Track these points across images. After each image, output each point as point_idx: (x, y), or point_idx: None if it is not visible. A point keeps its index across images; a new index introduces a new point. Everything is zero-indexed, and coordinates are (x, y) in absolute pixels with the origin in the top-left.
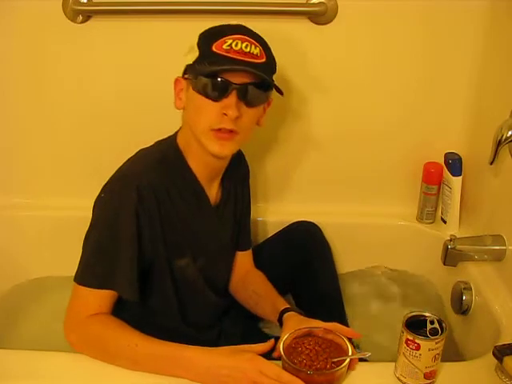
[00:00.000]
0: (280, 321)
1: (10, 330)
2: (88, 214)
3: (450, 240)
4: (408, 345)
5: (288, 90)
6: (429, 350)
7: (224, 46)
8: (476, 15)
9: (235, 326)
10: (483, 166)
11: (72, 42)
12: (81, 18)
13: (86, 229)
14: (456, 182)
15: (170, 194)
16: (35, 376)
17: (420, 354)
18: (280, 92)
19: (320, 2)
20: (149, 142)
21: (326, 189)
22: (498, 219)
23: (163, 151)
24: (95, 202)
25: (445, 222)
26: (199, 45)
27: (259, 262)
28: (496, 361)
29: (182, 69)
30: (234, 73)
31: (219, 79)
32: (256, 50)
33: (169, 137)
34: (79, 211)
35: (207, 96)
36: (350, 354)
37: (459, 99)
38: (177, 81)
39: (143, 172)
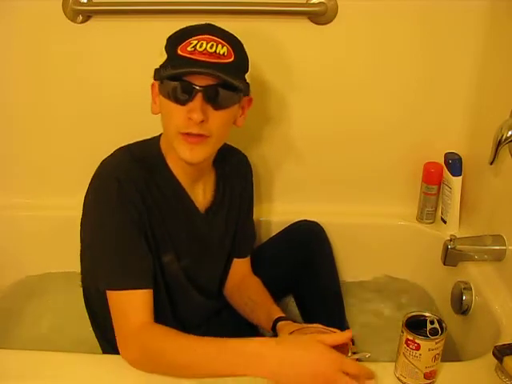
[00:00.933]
0: (274, 329)
1: (11, 327)
2: None
3: (450, 240)
4: (408, 345)
5: (288, 89)
6: (429, 350)
7: (188, 48)
8: (476, 15)
9: (223, 328)
10: (483, 166)
11: (72, 42)
12: (81, 17)
13: None
14: (456, 182)
15: (149, 189)
16: (35, 376)
17: (420, 354)
18: (246, 92)
19: (320, 2)
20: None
21: (325, 189)
22: (498, 219)
23: (144, 150)
24: (84, 202)
25: (445, 222)
26: (167, 48)
27: (261, 262)
28: (496, 361)
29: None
30: (199, 75)
31: (182, 82)
32: (223, 50)
33: (153, 137)
34: (79, 211)
35: (173, 100)
36: (349, 355)
37: (459, 99)
38: (153, 85)
39: (120, 165)
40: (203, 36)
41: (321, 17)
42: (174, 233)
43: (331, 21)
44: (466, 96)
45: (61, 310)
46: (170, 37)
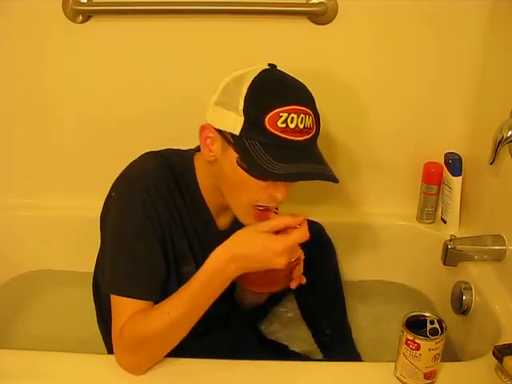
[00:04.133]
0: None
1: (10, 326)
2: (88, 214)
3: (450, 240)
4: (408, 345)
5: None
6: (429, 350)
7: (279, 124)
8: (476, 15)
9: (229, 331)
10: (483, 165)
11: (72, 41)
12: (81, 17)
13: (87, 228)
14: (456, 181)
15: (174, 199)
16: (35, 376)
17: (420, 354)
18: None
19: (320, 2)
20: (148, 141)
21: (325, 188)
22: (498, 219)
23: (174, 163)
24: (105, 203)
25: (445, 222)
26: (246, 109)
27: None
28: (496, 361)
29: (211, 114)
30: None
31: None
32: (309, 121)
33: (185, 152)
34: (79, 211)
35: (256, 177)
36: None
37: (459, 99)
38: (204, 128)
39: (149, 172)
40: (291, 107)
41: (321, 17)
42: (193, 245)
43: (331, 21)
44: (466, 96)
45: (61, 310)
46: (251, 93)
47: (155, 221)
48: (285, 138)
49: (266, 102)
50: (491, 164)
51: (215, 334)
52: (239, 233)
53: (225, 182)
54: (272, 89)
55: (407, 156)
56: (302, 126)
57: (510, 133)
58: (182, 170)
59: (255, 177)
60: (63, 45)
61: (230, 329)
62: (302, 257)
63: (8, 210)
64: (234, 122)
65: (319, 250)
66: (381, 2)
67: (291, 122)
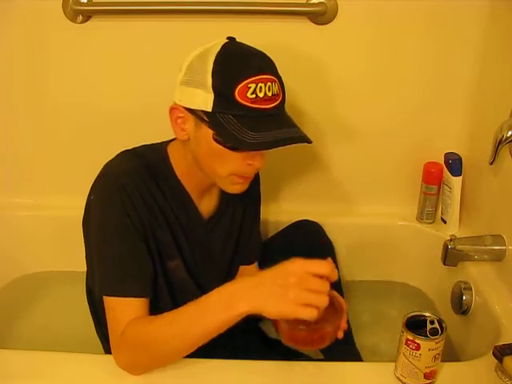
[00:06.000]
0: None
1: (10, 326)
2: None
3: (450, 240)
4: (408, 345)
5: (288, 90)
6: (429, 350)
7: (248, 95)
8: (476, 15)
9: (230, 334)
10: (483, 166)
11: (72, 41)
12: (81, 17)
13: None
14: (456, 181)
15: (154, 194)
16: (37, 376)
17: (420, 354)
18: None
19: (320, 2)
20: (150, 141)
21: (325, 189)
22: (498, 219)
23: (149, 156)
24: (86, 205)
25: (445, 222)
26: (214, 85)
27: (260, 261)
28: (496, 361)
29: (179, 94)
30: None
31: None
32: (276, 88)
33: (157, 143)
34: (79, 211)
35: (232, 150)
36: (344, 314)
37: (459, 99)
38: (174, 109)
39: (125, 170)
40: (258, 77)
41: (321, 17)
42: (179, 238)
43: (331, 21)
44: (466, 96)
45: (61, 310)
46: (217, 68)
47: (135, 219)
48: (257, 108)
49: (233, 75)
50: (491, 164)
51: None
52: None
53: (202, 158)
54: (237, 61)
55: (407, 156)
56: (270, 94)
57: (510, 133)
58: (157, 163)
59: (234, 149)
60: (63, 45)
61: (229, 329)
62: (345, 307)
63: (8, 209)
64: (204, 100)
65: (319, 250)
66: (381, 2)
67: (260, 91)
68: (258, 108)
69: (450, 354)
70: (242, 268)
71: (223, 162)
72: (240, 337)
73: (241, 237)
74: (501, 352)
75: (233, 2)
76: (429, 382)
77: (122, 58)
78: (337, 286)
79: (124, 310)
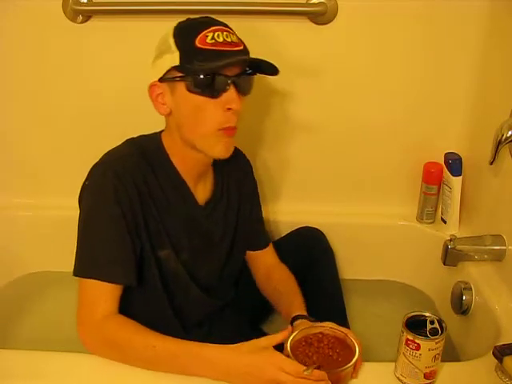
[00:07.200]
0: (292, 325)
1: (10, 326)
2: None
3: (450, 240)
4: (408, 345)
5: (288, 90)
6: (429, 350)
7: (208, 41)
8: (476, 15)
9: (225, 327)
10: (483, 166)
11: (72, 41)
12: (81, 17)
13: None
14: (456, 181)
15: (148, 183)
16: (35, 376)
17: (420, 354)
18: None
19: (320, 2)
20: None
21: (325, 189)
22: (498, 219)
23: (145, 144)
24: (81, 190)
25: (445, 222)
26: (177, 43)
27: None
28: (496, 361)
29: (152, 72)
30: (228, 66)
31: (217, 75)
32: (234, 37)
33: (153, 133)
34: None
35: (208, 95)
36: (357, 354)
37: (459, 99)
38: (153, 86)
39: (121, 157)
40: (214, 28)
41: (321, 17)
42: (172, 228)
43: (331, 21)
44: (466, 96)
45: (61, 310)
46: (175, 32)
47: (126, 206)
48: (219, 50)
49: (191, 31)
50: (491, 164)
51: (211, 329)
52: (265, 357)
53: (185, 124)
54: (194, 23)
55: (407, 156)
56: (229, 40)
57: (510, 133)
58: (152, 152)
59: (206, 77)
60: (63, 45)
61: (226, 326)
62: (359, 345)
63: (8, 209)
64: (171, 59)
65: (319, 255)
66: (381, 2)
67: (218, 37)
68: (221, 49)
69: (450, 354)
70: (255, 254)
71: (204, 117)
72: (239, 336)
73: (239, 224)
74: (501, 352)
75: (233, 2)
76: (429, 382)
77: (122, 58)
78: (336, 290)
79: (101, 293)
